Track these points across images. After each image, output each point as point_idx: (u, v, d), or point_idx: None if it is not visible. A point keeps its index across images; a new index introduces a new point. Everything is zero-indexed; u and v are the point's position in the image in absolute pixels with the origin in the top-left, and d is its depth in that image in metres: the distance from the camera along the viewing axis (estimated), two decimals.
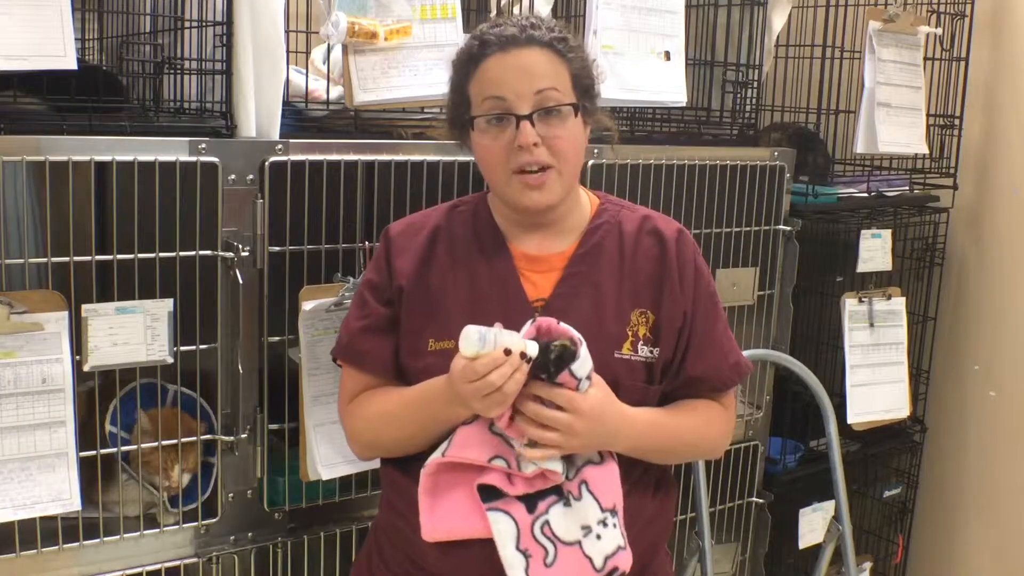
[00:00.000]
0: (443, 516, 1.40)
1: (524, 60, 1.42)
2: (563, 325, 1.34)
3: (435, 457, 1.41)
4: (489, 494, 1.38)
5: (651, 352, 1.49)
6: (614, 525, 1.38)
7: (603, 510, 1.38)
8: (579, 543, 1.37)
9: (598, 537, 1.37)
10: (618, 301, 1.49)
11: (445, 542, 1.41)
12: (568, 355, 1.32)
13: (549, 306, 1.48)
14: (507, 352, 1.29)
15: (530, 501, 1.38)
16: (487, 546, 1.38)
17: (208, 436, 1.79)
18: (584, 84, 1.48)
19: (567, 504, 1.38)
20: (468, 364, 1.30)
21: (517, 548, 1.36)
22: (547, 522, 1.37)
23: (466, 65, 1.46)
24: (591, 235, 1.53)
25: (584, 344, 1.34)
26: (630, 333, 1.48)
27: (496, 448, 1.39)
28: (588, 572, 1.37)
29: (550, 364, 1.32)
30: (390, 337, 1.52)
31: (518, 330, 1.33)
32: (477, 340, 1.29)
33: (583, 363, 1.33)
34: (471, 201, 1.59)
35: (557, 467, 1.37)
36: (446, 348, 1.44)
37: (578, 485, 1.39)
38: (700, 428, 1.54)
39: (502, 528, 1.37)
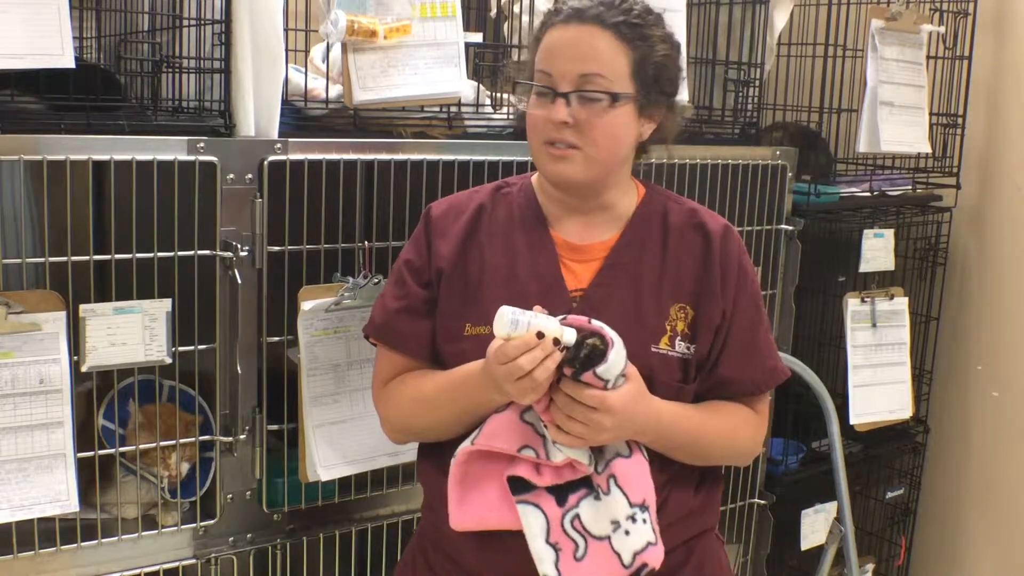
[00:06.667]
0: (473, 507, 1.40)
1: (580, 37, 1.40)
2: (595, 323, 1.32)
3: (465, 446, 1.40)
4: (519, 486, 1.38)
5: (688, 349, 1.47)
6: (644, 521, 1.37)
7: (632, 505, 1.37)
8: (608, 538, 1.36)
9: (627, 533, 1.36)
10: (658, 294, 1.48)
11: (483, 537, 1.41)
12: (597, 355, 1.30)
13: (587, 296, 1.47)
14: (540, 336, 1.28)
15: (560, 494, 1.37)
16: (524, 540, 1.37)
17: (206, 438, 1.78)
18: (650, 75, 1.43)
19: (597, 498, 1.37)
20: (501, 346, 1.29)
21: (547, 541, 1.36)
22: (577, 515, 1.36)
23: (538, 31, 1.47)
24: (635, 226, 1.51)
25: (616, 345, 1.31)
26: (668, 327, 1.47)
27: (525, 437, 1.38)
28: (616, 568, 1.35)
29: (577, 360, 1.30)
30: (428, 319, 1.51)
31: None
32: (510, 322, 1.28)
33: (611, 367, 1.31)
34: (517, 183, 1.58)
35: (583, 457, 1.36)
36: (483, 333, 1.43)
37: (607, 479, 1.37)
38: (727, 430, 1.51)
39: (532, 521, 1.36)
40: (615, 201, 1.51)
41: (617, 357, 1.31)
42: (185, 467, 1.76)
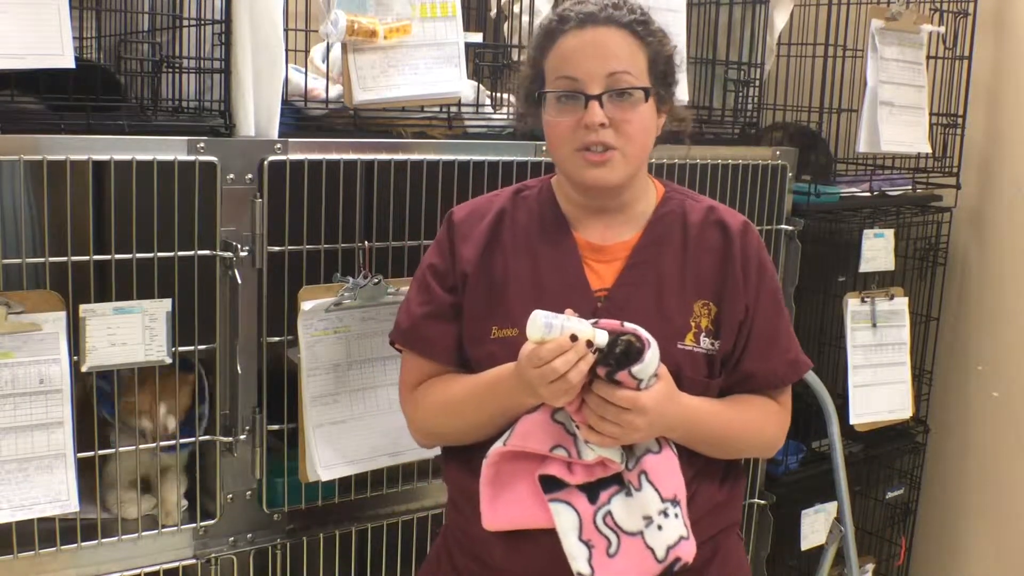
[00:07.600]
0: (505, 507, 1.40)
1: (600, 39, 1.41)
2: (628, 326, 1.33)
3: (497, 447, 1.41)
4: (550, 485, 1.38)
5: (712, 344, 1.48)
6: (676, 515, 1.38)
7: (663, 500, 1.38)
8: (641, 534, 1.37)
9: (659, 528, 1.37)
10: (681, 292, 1.49)
11: (511, 537, 1.41)
12: (633, 353, 1.31)
13: (612, 296, 1.48)
14: (573, 339, 1.28)
15: (592, 491, 1.38)
16: (552, 538, 1.38)
17: (206, 437, 1.78)
18: (661, 70, 1.47)
19: (628, 494, 1.38)
20: (534, 349, 1.30)
21: (580, 539, 1.36)
22: (609, 512, 1.37)
23: (543, 40, 1.46)
24: (655, 225, 1.52)
25: (652, 346, 1.32)
26: (693, 324, 1.48)
27: (557, 437, 1.39)
28: (650, 563, 1.36)
29: (612, 359, 1.31)
30: (454, 324, 1.51)
31: None
32: (543, 325, 1.29)
33: (647, 366, 1.32)
34: (536, 186, 1.58)
35: (616, 456, 1.37)
36: (509, 336, 1.44)
37: (638, 475, 1.38)
38: (753, 423, 1.53)
39: (564, 519, 1.37)
40: (635, 200, 1.52)
41: (652, 357, 1.32)
42: (172, 421, 1.73)
